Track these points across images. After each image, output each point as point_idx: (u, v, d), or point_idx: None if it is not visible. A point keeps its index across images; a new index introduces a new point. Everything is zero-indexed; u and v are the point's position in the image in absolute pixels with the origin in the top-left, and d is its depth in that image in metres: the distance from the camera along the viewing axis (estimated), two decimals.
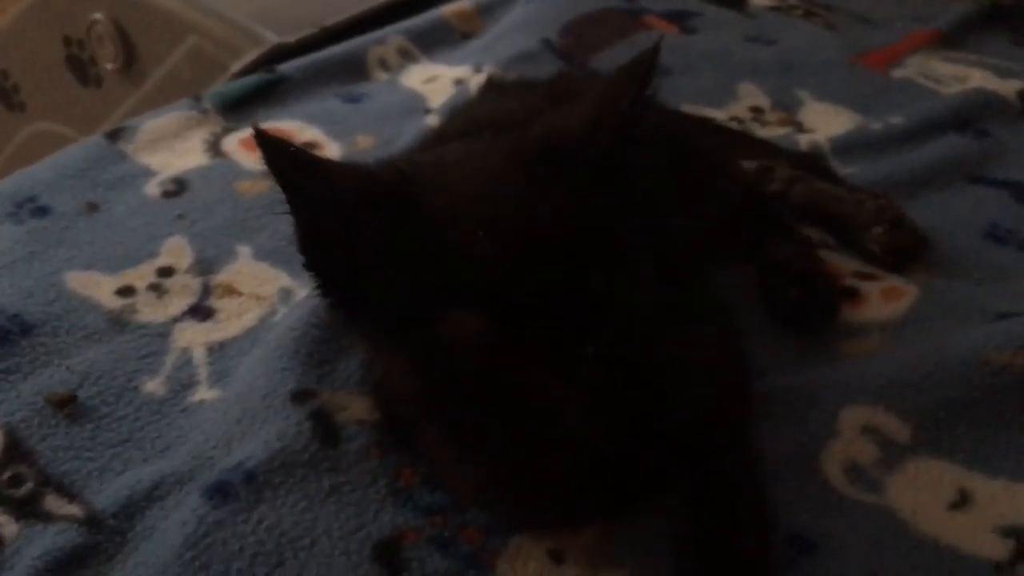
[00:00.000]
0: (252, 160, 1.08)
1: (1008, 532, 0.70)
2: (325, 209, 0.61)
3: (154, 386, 0.82)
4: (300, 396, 0.77)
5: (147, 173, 1.07)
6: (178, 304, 0.90)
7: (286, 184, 0.61)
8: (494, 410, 0.60)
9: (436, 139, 0.90)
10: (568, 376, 0.58)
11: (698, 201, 0.89)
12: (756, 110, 1.24)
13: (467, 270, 0.58)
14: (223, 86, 1.25)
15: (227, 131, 1.15)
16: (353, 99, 1.24)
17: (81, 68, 1.62)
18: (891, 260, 0.95)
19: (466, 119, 0.94)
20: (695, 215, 0.87)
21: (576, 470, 0.64)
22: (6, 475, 0.73)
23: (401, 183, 0.62)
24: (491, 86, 1.13)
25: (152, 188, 1.05)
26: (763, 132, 1.19)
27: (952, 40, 1.42)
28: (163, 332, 0.87)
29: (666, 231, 0.78)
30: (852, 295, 0.91)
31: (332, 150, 1.13)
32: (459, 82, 1.26)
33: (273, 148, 0.59)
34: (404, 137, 1.12)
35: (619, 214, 0.63)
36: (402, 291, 0.60)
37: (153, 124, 1.14)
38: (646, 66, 0.64)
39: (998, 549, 0.69)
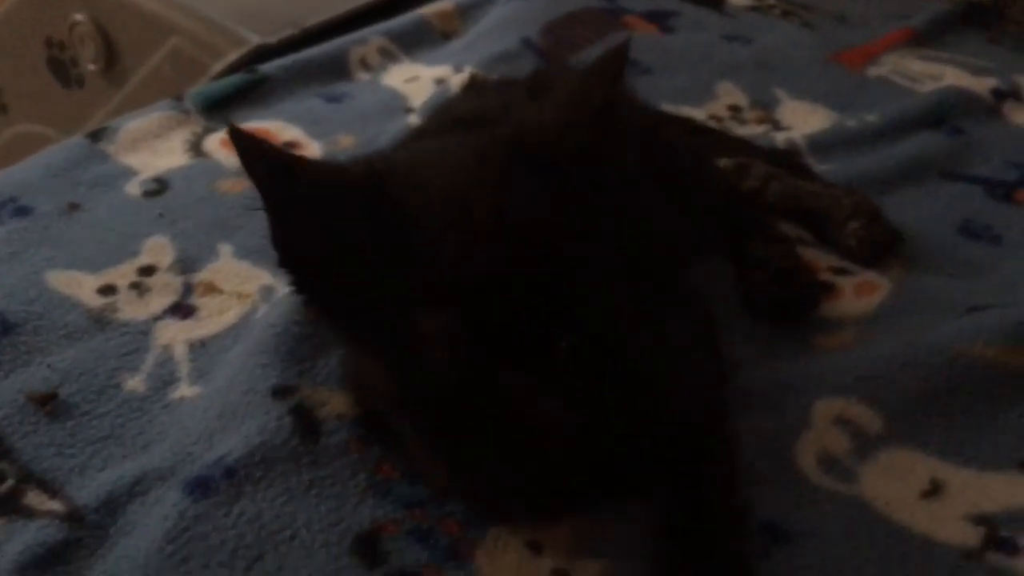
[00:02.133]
0: (233, 159, 1.08)
1: (979, 520, 0.71)
2: (298, 206, 0.62)
3: (135, 383, 0.82)
4: (281, 392, 0.78)
5: (128, 173, 1.07)
6: (159, 302, 0.90)
7: (259, 181, 0.61)
8: (466, 409, 0.61)
9: (414, 136, 0.90)
10: (540, 374, 0.59)
11: (677, 198, 0.89)
12: (734, 108, 1.25)
13: (438, 269, 0.59)
14: (204, 86, 1.26)
15: (208, 131, 1.15)
16: (334, 99, 1.25)
17: (63, 69, 1.61)
18: (868, 255, 0.96)
19: (444, 116, 0.95)
20: (674, 212, 0.88)
21: (550, 467, 0.63)
22: None
23: (374, 180, 0.62)
24: (473, 85, 1.14)
25: (133, 188, 1.05)
26: (741, 130, 1.20)
27: (927, 39, 1.43)
28: (144, 330, 0.87)
29: (643, 228, 0.79)
30: (828, 290, 0.92)
31: (313, 150, 1.13)
32: (440, 82, 1.26)
33: (247, 145, 0.60)
34: (385, 136, 1.12)
35: (593, 211, 0.63)
36: (375, 289, 0.61)
37: (134, 124, 1.14)
38: (617, 62, 0.65)
39: (969, 536, 0.70)
